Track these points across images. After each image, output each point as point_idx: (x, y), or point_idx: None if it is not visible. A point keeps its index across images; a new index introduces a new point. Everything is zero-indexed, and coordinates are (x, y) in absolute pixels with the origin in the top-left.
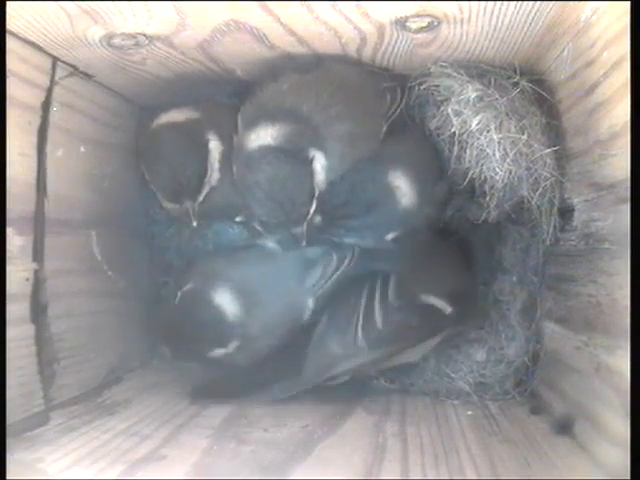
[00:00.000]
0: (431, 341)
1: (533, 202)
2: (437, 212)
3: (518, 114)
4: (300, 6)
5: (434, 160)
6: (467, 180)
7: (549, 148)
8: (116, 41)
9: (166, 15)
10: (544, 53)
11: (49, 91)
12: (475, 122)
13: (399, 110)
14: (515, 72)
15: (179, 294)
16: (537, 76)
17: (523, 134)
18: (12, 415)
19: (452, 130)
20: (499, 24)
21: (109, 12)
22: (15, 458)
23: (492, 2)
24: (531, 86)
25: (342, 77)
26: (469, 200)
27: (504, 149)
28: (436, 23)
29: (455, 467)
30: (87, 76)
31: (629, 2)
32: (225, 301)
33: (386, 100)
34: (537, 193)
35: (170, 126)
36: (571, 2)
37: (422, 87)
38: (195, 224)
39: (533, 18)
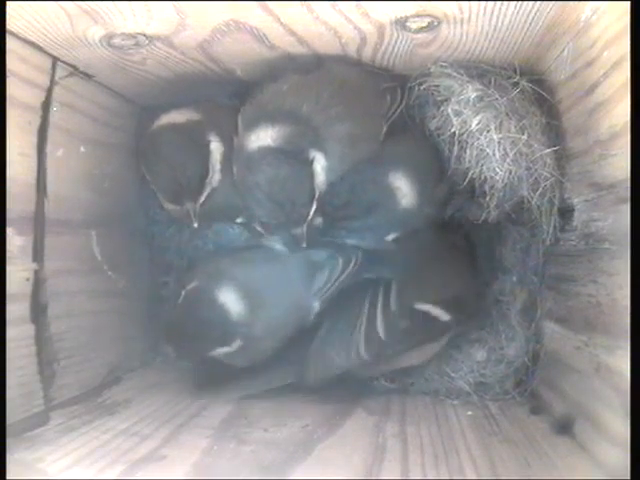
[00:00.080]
0: (431, 346)
1: (533, 202)
2: (437, 212)
3: (518, 114)
4: (300, 6)
5: (434, 160)
6: (467, 180)
7: (549, 148)
8: (116, 41)
9: (166, 15)
10: (544, 53)
11: (49, 91)
12: (475, 122)
13: (399, 110)
14: (515, 72)
15: (183, 292)
16: (537, 76)
17: (523, 134)
18: (12, 415)
19: (452, 130)
20: (499, 24)
21: (109, 12)
22: (15, 458)
23: (492, 2)
24: (531, 86)
25: (342, 78)
26: (469, 200)
27: (504, 149)
28: (436, 23)
29: (455, 467)
30: (87, 76)
31: (629, 2)
32: (229, 299)
33: (386, 100)
34: (537, 193)
35: (171, 127)
36: (571, 2)
37: (422, 87)
38: (196, 225)
39: (533, 18)
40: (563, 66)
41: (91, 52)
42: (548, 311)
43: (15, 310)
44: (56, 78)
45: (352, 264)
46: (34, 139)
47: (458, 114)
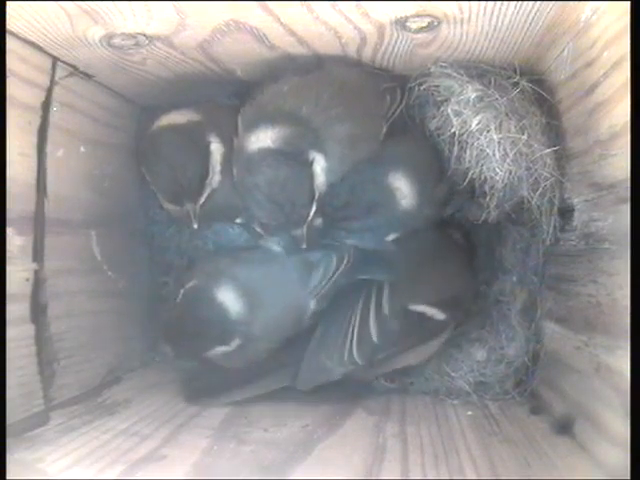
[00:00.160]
0: (428, 346)
1: (533, 202)
2: (437, 213)
3: (518, 114)
4: (300, 6)
5: (434, 161)
6: (467, 180)
7: (549, 148)
8: (116, 41)
9: (166, 15)
10: (544, 53)
11: (49, 91)
12: (475, 122)
13: (399, 111)
14: (515, 72)
15: (182, 291)
16: (537, 76)
17: (523, 134)
18: (12, 415)
19: (452, 130)
20: (499, 24)
21: (109, 12)
22: (15, 458)
23: (492, 2)
24: (531, 86)
25: (342, 79)
26: (469, 200)
27: (504, 149)
28: (436, 23)
29: (455, 467)
30: (87, 76)
31: (629, 2)
32: (228, 298)
33: (386, 101)
34: (537, 193)
35: (171, 128)
36: (571, 2)
37: (422, 87)
38: (196, 226)
39: (533, 18)
40: (563, 66)
41: (91, 52)
42: (548, 311)
43: (15, 310)
44: (56, 78)
45: (345, 261)
46: (34, 139)
47: (458, 114)
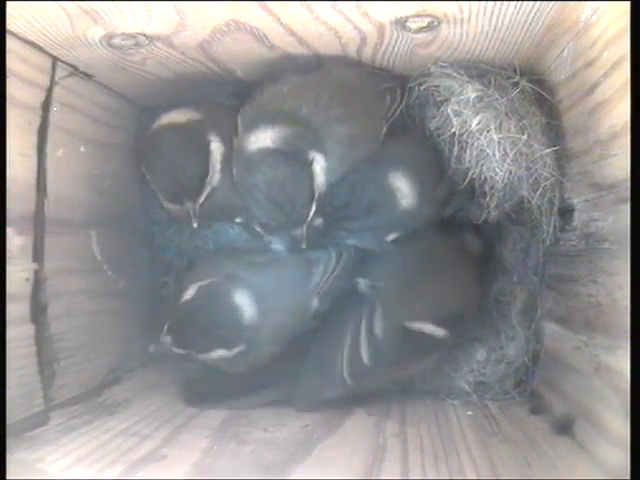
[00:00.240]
0: (424, 362)
1: (533, 202)
2: (437, 213)
3: (518, 114)
4: (300, 6)
5: (434, 161)
6: (467, 180)
7: (549, 148)
8: (116, 41)
9: (166, 15)
10: (544, 53)
11: (49, 91)
12: (475, 122)
13: (399, 111)
14: (515, 72)
15: (196, 287)
16: (537, 76)
17: (523, 134)
18: (12, 415)
19: (452, 130)
20: (499, 24)
21: (109, 12)
22: (15, 458)
23: (492, 2)
24: (531, 86)
25: (342, 79)
26: (469, 200)
27: (504, 149)
28: (436, 23)
29: (455, 467)
30: (87, 76)
31: (629, 2)
32: (245, 303)
33: (386, 101)
34: (537, 193)
35: (171, 127)
36: (571, 2)
37: (422, 87)
38: (196, 225)
39: (533, 18)
40: (563, 66)
41: (91, 52)
42: (548, 311)
43: (15, 310)
44: (56, 78)
45: (345, 256)
46: (34, 139)
47: (458, 114)
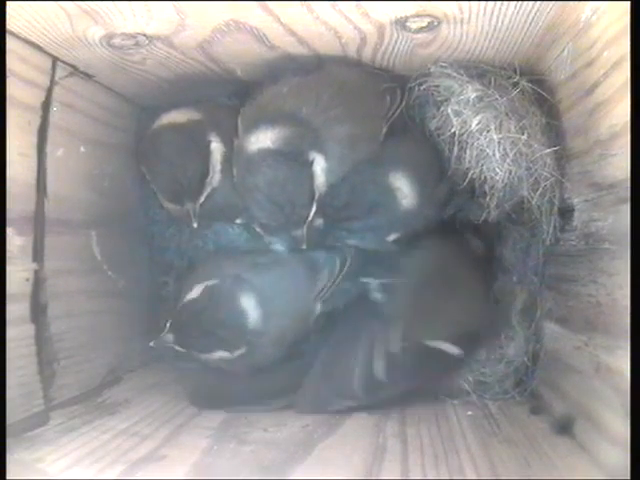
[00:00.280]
0: (439, 379)
1: (533, 202)
2: (438, 213)
3: (518, 114)
4: (300, 6)
5: (434, 161)
6: (467, 180)
7: (549, 148)
8: (116, 41)
9: (166, 15)
10: (544, 53)
11: (49, 91)
12: (475, 122)
13: (399, 111)
14: (515, 72)
15: (200, 287)
16: (537, 76)
17: (523, 134)
18: (12, 415)
19: (452, 130)
20: (499, 24)
21: (109, 12)
22: (15, 458)
23: (492, 2)
24: (531, 86)
25: (342, 79)
26: (469, 200)
27: (504, 149)
28: (436, 23)
29: (455, 467)
30: (87, 76)
31: (629, 2)
32: (250, 306)
33: (386, 101)
34: (537, 193)
35: (171, 127)
36: (571, 2)
37: (422, 87)
38: (196, 225)
39: (533, 18)
40: (563, 66)
41: (91, 52)
42: (548, 311)
43: (15, 310)
44: (56, 78)
45: (348, 263)
46: (34, 139)
47: (458, 114)
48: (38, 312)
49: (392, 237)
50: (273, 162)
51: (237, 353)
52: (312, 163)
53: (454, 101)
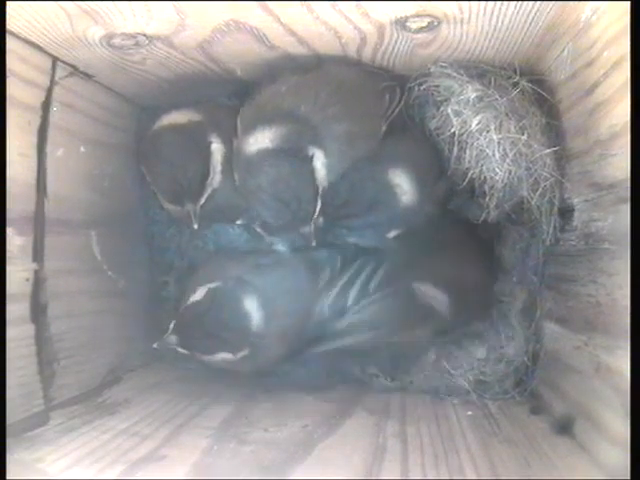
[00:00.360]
0: (423, 330)
1: (533, 202)
2: (438, 210)
3: (518, 114)
4: (300, 6)
5: (434, 159)
6: (467, 180)
7: (549, 148)
8: (116, 41)
9: (166, 15)
10: (544, 53)
11: (49, 91)
12: (475, 122)
13: (398, 110)
14: (515, 72)
15: (204, 289)
16: (537, 76)
17: (523, 134)
18: (12, 415)
19: (452, 130)
20: (499, 24)
21: (109, 12)
22: (15, 458)
23: (492, 2)
24: (531, 86)
25: (340, 78)
26: (469, 200)
27: (504, 149)
28: (436, 23)
29: (455, 467)
30: (87, 76)
31: (629, 2)
32: (253, 309)
33: (385, 100)
34: (537, 193)
35: (172, 128)
36: (571, 2)
37: (422, 87)
38: (196, 226)
39: (533, 18)
40: (563, 66)
41: (91, 52)
42: (548, 311)
43: (15, 310)
44: (56, 78)
45: (349, 259)
46: (34, 139)
47: (458, 114)
48: (38, 312)
49: (392, 234)
50: (274, 161)
51: (240, 355)
52: (312, 158)
53: (454, 101)
